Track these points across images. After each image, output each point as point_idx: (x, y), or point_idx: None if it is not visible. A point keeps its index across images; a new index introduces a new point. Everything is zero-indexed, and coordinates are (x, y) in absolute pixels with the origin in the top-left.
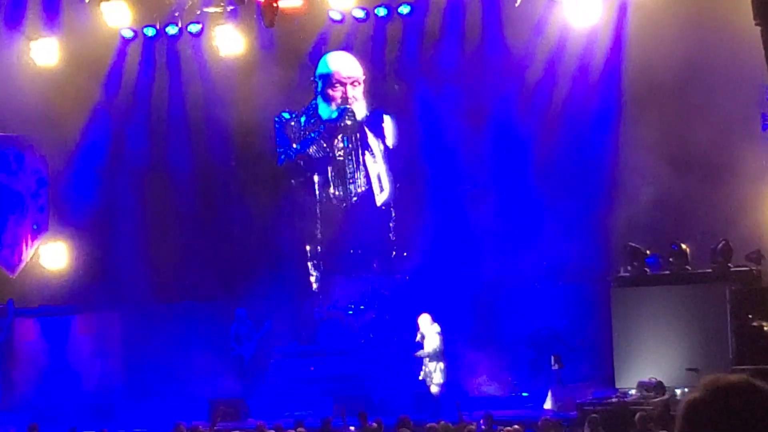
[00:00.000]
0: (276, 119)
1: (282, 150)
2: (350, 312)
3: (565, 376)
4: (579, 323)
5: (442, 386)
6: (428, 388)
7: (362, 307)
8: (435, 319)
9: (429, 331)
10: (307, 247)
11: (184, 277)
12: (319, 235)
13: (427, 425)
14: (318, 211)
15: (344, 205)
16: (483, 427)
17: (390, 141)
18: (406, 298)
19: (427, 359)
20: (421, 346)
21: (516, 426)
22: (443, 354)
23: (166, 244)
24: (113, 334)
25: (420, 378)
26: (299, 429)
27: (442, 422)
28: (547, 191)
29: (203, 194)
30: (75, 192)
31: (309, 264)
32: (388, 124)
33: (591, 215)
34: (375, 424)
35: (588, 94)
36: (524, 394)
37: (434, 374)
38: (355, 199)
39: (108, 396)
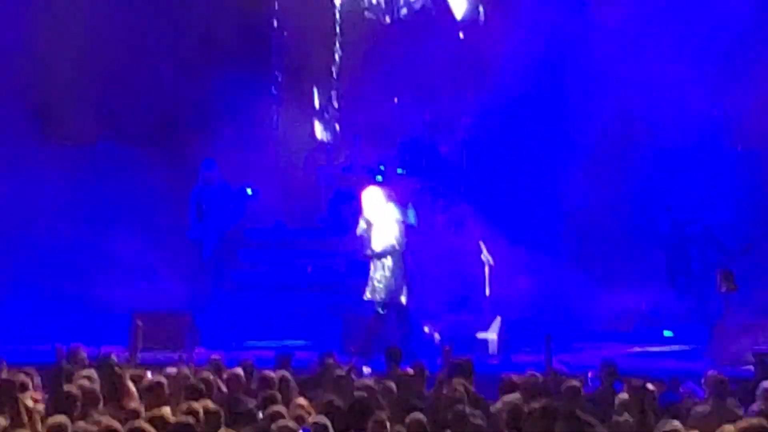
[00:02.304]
0: None
1: None
2: (379, 177)
3: (732, 306)
4: (752, 213)
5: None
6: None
7: (401, 170)
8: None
9: (381, 217)
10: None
11: (102, 101)
12: None
13: (504, 377)
14: None
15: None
16: (598, 383)
17: None
18: (468, 155)
19: (380, 266)
20: (366, 242)
21: (650, 385)
22: (402, 257)
23: (64, 38)
24: None
25: (366, 298)
26: (281, 372)
27: (533, 373)
28: None
29: None
30: None
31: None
32: None
33: None
34: (412, 371)
35: None
36: (667, 333)
37: (378, 287)
38: None
39: None
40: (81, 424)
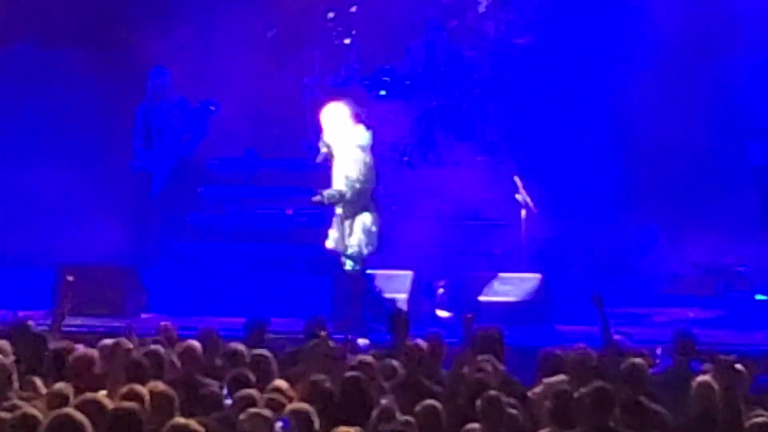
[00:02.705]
0: None
1: None
2: (383, 91)
3: None
4: None
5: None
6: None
7: (408, 82)
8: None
9: (342, 141)
10: None
11: None
12: None
13: (547, 352)
14: None
15: None
16: (669, 361)
17: None
18: (500, 63)
19: (340, 212)
20: (324, 174)
21: (738, 364)
22: (372, 197)
23: None
24: None
25: (328, 246)
26: (255, 346)
27: (583, 348)
28: None
29: None
30: None
31: None
32: None
33: None
34: (426, 344)
35: None
36: (760, 296)
37: (350, 239)
38: None
39: None
40: None
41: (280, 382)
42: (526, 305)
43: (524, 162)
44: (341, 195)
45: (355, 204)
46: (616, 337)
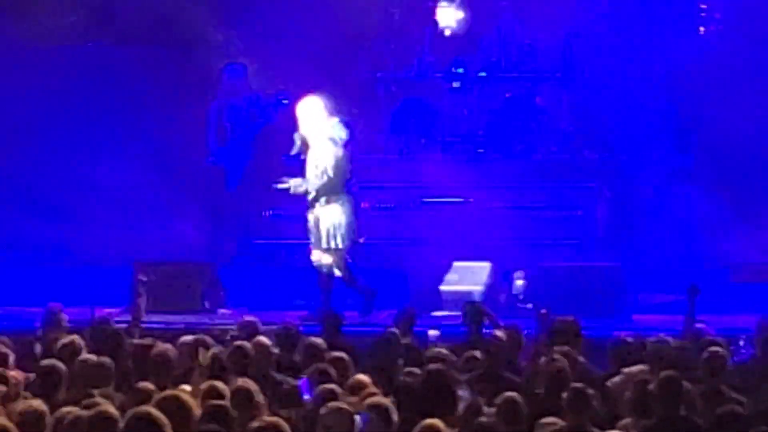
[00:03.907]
0: None
1: None
2: (456, 83)
3: None
4: None
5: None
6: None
7: (483, 73)
8: None
9: (316, 133)
10: None
11: None
12: None
13: (629, 340)
14: None
15: None
16: (751, 350)
17: None
18: (572, 54)
19: (310, 203)
20: (296, 167)
21: None
22: (348, 193)
23: None
24: None
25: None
26: (337, 352)
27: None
28: None
29: None
30: None
31: None
32: None
33: None
34: (504, 335)
35: None
36: None
37: (324, 235)
38: None
39: None
40: (67, 410)
41: (361, 377)
42: (600, 295)
43: (598, 151)
44: (307, 184)
45: (323, 195)
46: (698, 326)
